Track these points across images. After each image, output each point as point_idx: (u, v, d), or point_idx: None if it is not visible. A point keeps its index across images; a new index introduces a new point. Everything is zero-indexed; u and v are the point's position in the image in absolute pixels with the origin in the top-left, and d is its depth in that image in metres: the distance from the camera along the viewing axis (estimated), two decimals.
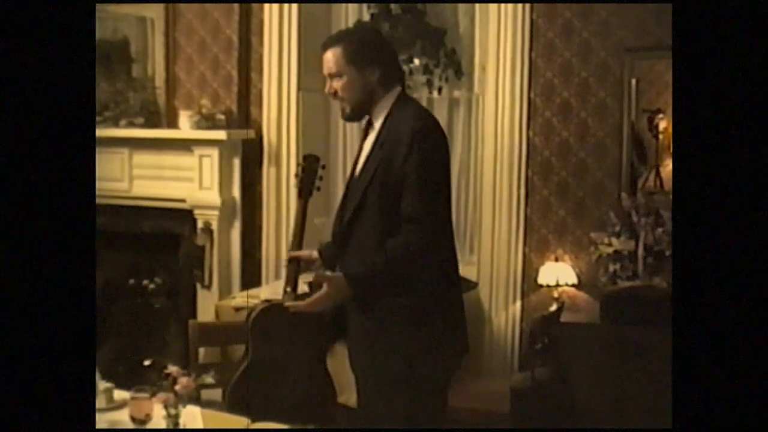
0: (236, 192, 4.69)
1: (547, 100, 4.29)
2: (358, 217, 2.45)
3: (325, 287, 2.42)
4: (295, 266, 2.84)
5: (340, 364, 3.12)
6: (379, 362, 2.41)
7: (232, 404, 2.87)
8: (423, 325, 2.38)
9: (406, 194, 2.34)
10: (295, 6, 4.63)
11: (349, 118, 2.56)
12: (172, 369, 2.31)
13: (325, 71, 2.49)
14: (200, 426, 2.33)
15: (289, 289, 2.88)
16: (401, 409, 2.38)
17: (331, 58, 2.45)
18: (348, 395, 3.48)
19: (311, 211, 3.04)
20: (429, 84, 4.62)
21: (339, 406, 3.25)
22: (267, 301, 3.46)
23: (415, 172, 2.33)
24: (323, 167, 2.92)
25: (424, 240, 2.33)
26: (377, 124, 2.49)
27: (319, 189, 2.94)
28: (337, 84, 2.46)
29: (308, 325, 3.05)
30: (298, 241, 2.84)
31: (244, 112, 4.78)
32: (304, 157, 2.83)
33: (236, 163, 4.68)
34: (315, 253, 2.77)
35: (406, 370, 2.36)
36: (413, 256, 2.33)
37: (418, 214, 2.32)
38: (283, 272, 4.59)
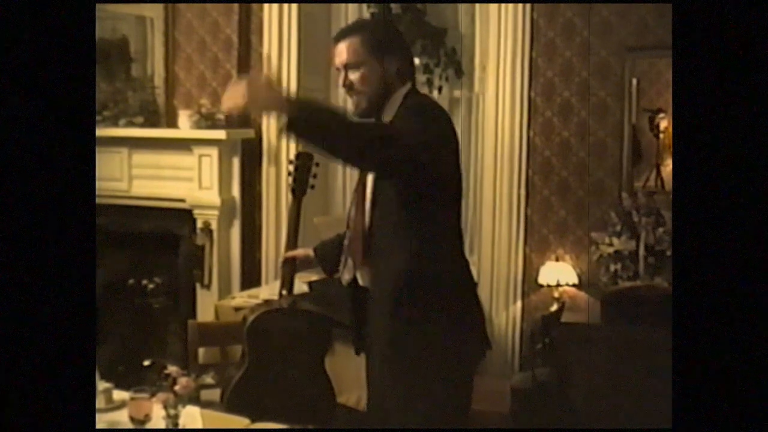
0: (236, 192, 4.69)
1: (548, 99, 4.29)
2: (374, 210, 2.33)
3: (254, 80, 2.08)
4: (291, 267, 2.80)
5: (339, 364, 3.11)
6: (402, 368, 2.28)
7: (230, 408, 2.86)
8: (438, 326, 2.26)
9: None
10: (295, 6, 4.63)
11: (364, 113, 2.33)
12: (172, 369, 2.31)
13: (339, 63, 2.32)
14: (200, 426, 2.32)
15: (285, 292, 2.84)
16: (424, 413, 2.26)
17: (347, 48, 2.29)
18: (347, 395, 3.48)
19: (312, 211, 3.00)
20: (429, 84, 4.62)
21: (339, 406, 3.25)
22: (266, 302, 3.45)
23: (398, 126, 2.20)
24: (317, 165, 2.86)
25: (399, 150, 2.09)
26: (386, 120, 2.32)
27: (313, 187, 2.89)
28: (353, 76, 2.28)
29: (306, 330, 3.02)
30: (292, 241, 2.79)
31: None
32: (297, 155, 2.78)
33: (236, 162, 4.68)
34: (311, 252, 2.71)
35: (429, 373, 2.25)
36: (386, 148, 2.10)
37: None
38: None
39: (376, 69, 2.28)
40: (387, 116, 2.32)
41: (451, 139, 2.30)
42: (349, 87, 2.30)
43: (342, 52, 2.30)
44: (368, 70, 2.27)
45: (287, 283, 2.82)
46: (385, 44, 2.30)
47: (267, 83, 2.07)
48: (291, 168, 2.78)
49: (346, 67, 2.30)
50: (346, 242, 2.44)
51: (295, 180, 2.76)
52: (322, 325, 3.05)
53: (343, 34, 2.34)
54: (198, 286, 4.66)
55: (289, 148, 4.69)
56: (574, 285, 4.20)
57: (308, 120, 2.07)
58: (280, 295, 2.87)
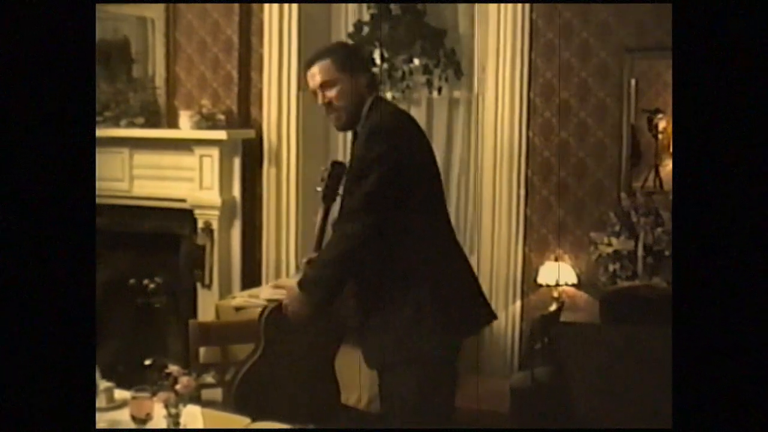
0: (236, 192, 4.69)
1: (547, 100, 4.30)
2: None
3: (286, 295, 2.57)
4: None
5: (345, 364, 3.12)
6: (392, 349, 2.47)
7: (237, 399, 2.88)
8: (423, 304, 2.43)
9: (350, 192, 2.46)
10: (295, 6, 4.63)
11: (345, 126, 2.60)
12: (173, 368, 2.31)
13: (313, 85, 2.56)
14: (201, 426, 2.33)
15: None
16: (414, 386, 2.44)
17: (320, 70, 2.53)
18: (347, 395, 3.48)
19: (313, 212, 3.06)
20: (429, 84, 4.62)
21: (342, 407, 3.26)
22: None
23: (358, 170, 2.42)
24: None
25: (358, 234, 2.39)
26: (358, 130, 2.55)
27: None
28: (330, 93, 2.52)
29: (321, 327, 3.06)
30: (319, 245, 2.89)
31: (244, 112, 4.78)
32: (332, 164, 2.89)
33: (236, 163, 4.68)
34: None
35: (416, 349, 2.43)
36: (347, 253, 2.43)
37: (352, 211, 2.42)
38: (285, 272, 4.62)
39: (350, 84, 2.51)
40: (360, 127, 2.54)
41: (393, 154, 2.43)
42: (328, 104, 2.54)
43: (315, 74, 2.54)
44: (343, 85, 2.51)
45: None
46: (353, 62, 2.55)
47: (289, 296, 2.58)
48: (325, 175, 2.88)
49: (322, 87, 2.53)
50: None
51: (326, 187, 2.85)
52: (335, 325, 3.08)
53: (312, 60, 2.57)
54: (199, 285, 4.67)
55: (290, 149, 4.71)
56: (573, 285, 4.20)
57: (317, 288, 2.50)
58: None
